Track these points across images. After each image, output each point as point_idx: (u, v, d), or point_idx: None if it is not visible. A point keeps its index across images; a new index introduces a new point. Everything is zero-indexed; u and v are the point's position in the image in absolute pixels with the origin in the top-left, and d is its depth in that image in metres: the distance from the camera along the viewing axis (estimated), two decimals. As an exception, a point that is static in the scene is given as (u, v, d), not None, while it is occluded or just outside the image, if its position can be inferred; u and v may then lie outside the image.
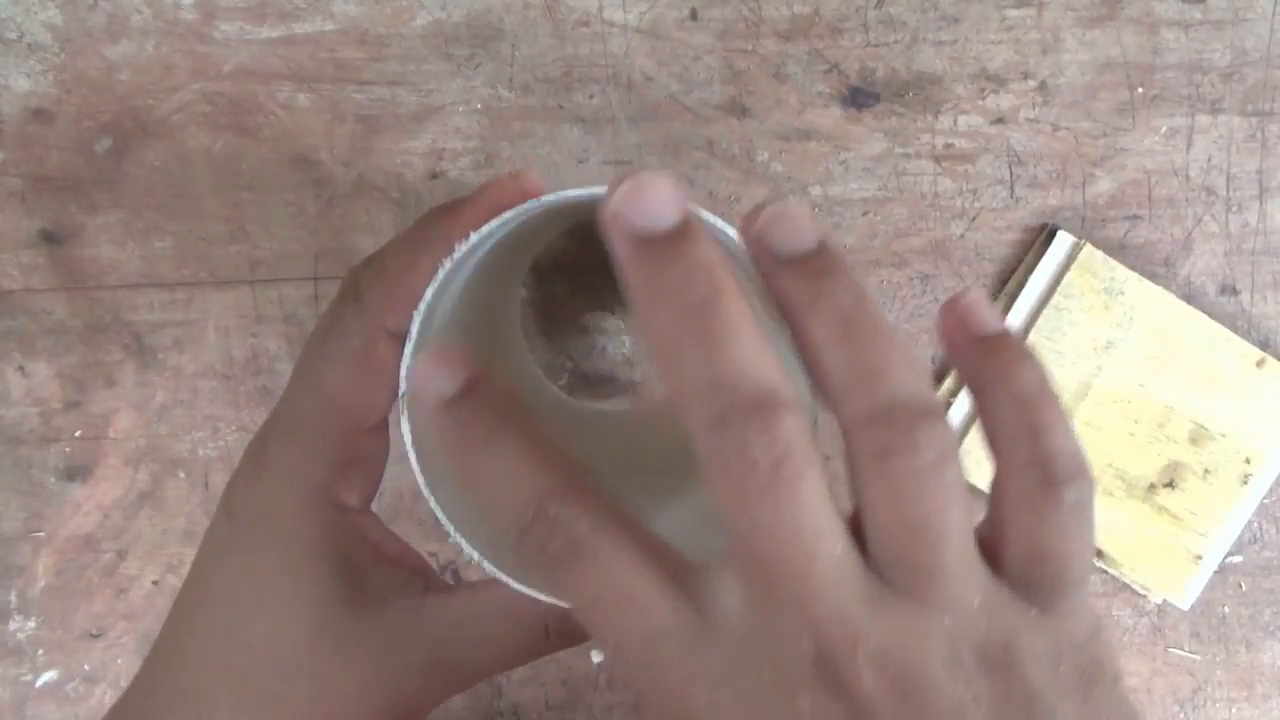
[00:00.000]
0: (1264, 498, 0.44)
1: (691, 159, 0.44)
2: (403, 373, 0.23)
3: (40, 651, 0.43)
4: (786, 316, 0.19)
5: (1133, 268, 0.44)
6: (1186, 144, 0.45)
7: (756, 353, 0.18)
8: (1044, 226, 0.44)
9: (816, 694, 0.17)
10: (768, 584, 0.17)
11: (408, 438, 0.23)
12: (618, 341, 0.44)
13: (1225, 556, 0.44)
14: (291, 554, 0.25)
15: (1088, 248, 0.43)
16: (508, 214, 0.22)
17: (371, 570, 0.25)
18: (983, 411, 0.21)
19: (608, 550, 0.18)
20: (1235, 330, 0.44)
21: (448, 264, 0.22)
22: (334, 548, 0.25)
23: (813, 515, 0.17)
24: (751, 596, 0.18)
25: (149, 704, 0.25)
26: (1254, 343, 0.44)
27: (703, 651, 0.18)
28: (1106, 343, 0.44)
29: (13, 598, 0.43)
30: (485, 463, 0.19)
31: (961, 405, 0.44)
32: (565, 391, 0.44)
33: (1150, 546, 0.43)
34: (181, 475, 0.43)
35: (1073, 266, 0.43)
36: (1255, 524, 0.44)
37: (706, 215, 0.21)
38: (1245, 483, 0.43)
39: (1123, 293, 0.44)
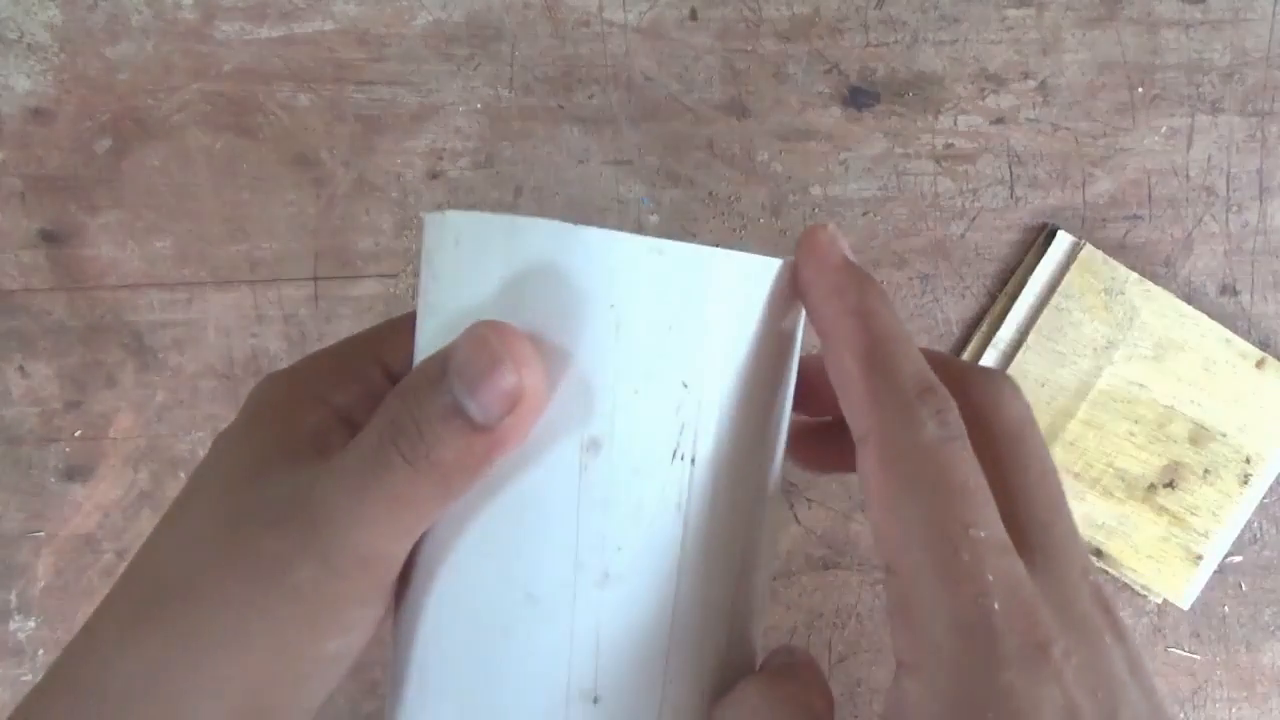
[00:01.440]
0: (1264, 498, 0.44)
1: (691, 159, 0.44)
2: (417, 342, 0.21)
3: (40, 651, 0.43)
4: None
5: (1133, 268, 0.44)
6: (1186, 144, 0.45)
7: None
8: (1044, 226, 0.44)
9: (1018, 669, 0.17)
10: None
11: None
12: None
13: (1225, 556, 0.44)
14: (242, 424, 0.23)
15: (1088, 248, 0.43)
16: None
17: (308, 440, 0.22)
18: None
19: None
20: (1235, 330, 0.44)
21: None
22: (287, 419, 0.22)
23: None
24: None
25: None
26: (1254, 343, 0.44)
27: None
28: (1106, 343, 0.44)
29: (13, 598, 0.43)
30: (892, 325, 0.20)
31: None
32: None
33: (1150, 546, 0.43)
34: (181, 475, 0.43)
35: (1073, 266, 0.43)
36: (1255, 524, 0.44)
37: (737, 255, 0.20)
38: (1245, 483, 0.43)
39: (1123, 293, 0.44)
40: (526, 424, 0.18)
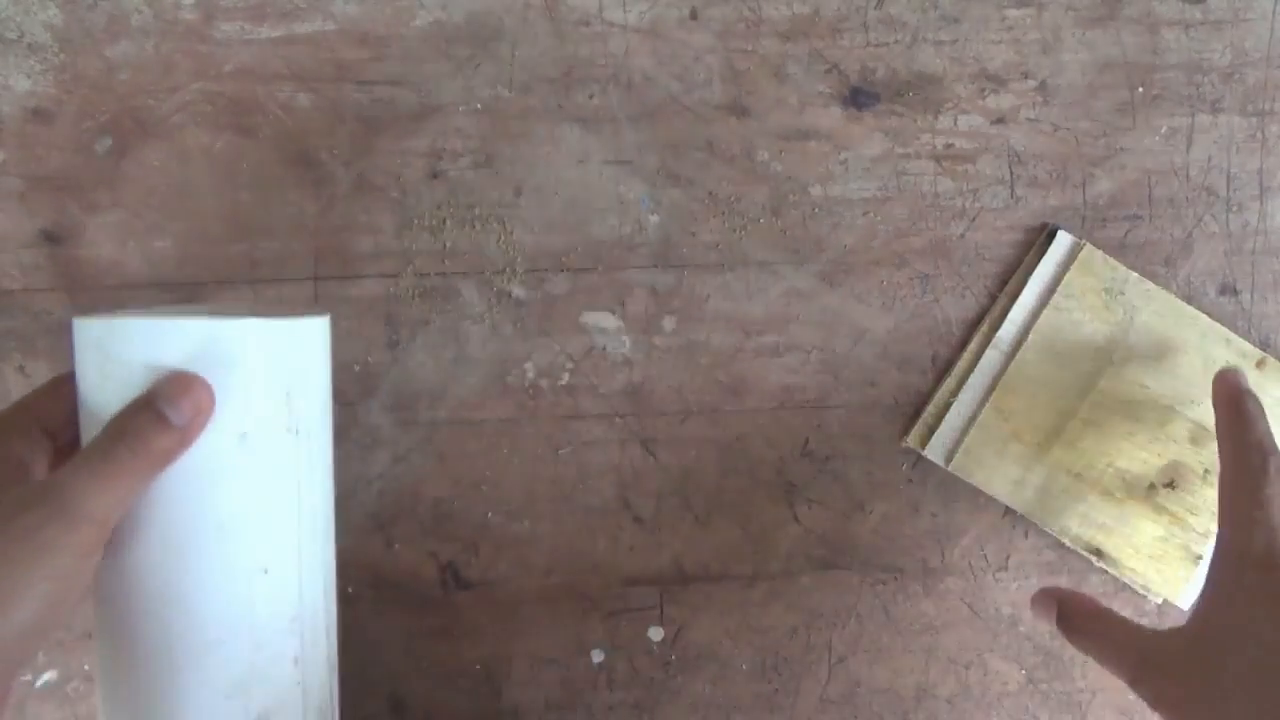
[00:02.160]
0: (1264, 498, 0.44)
1: (691, 159, 0.44)
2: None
3: (40, 651, 0.43)
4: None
5: (1133, 268, 0.44)
6: (1186, 144, 0.45)
7: None
8: (1044, 226, 0.44)
9: None
10: None
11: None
12: (618, 341, 0.44)
13: (1225, 556, 0.44)
14: None
15: (1088, 248, 0.43)
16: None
17: None
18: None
19: None
20: (1235, 330, 0.44)
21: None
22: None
23: None
24: None
25: None
26: (1254, 343, 0.44)
27: None
28: (1106, 343, 0.44)
29: (13, 598, 0.43)
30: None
31: (962, 406, 0.44)
32: (566, 394, 0.44)
33: (1150, 546, 0.43)
34: (181, 475, 0.43)
35: (1073, 266, 0.43)
36: (1255, 524, 0.44)
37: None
38: (1245, 483, 0.43)
39: (1123, 293, 0.44)
40: (203, 423, 0.31)
